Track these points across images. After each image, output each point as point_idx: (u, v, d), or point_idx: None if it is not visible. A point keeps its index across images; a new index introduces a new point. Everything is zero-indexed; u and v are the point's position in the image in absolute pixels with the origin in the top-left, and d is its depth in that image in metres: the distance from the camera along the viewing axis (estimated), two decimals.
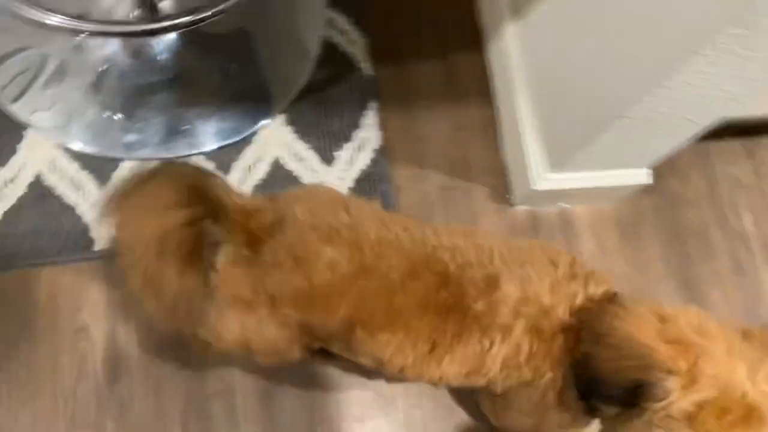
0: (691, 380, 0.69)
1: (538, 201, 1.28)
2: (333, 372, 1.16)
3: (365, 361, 0.89)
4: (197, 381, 1.13)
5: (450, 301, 0.81)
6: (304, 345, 0.89)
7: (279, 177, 1.23)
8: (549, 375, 0.82)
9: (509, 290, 0.81)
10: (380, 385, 1.16)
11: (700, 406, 0.68)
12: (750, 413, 0.67)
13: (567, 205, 1.32)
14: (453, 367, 0.84)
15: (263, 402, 1.14)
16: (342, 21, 1.34)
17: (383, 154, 1.28)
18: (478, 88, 1.37)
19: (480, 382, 0.86)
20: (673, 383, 0.69)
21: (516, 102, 1.25)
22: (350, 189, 1.25)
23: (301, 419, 1.14)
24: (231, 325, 0.84)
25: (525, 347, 0.81)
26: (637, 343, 0.72)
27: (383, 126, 1.30)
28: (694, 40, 0.80)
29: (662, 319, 0.73)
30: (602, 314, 0.78)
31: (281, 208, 0.84)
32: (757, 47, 0.80)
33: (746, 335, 0.73)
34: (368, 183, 1.26)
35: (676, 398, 0.69)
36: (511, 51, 1.28)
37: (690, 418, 0.68)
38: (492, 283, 0.81)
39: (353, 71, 1.32)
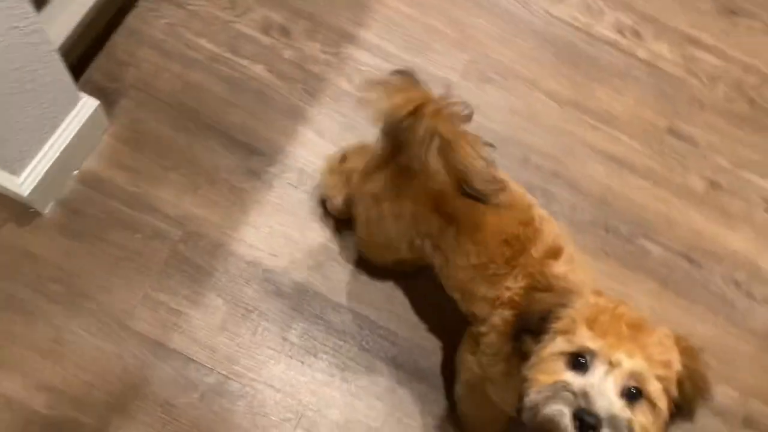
0: (591, 305, 0.91)
1: (51, 192, 1.31)
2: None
3: (438, 258, 1.12)
4: None
5: (522, 237, 1.04)
6: (409, 241, 1.13)
7: None
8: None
9: (561, 267, 1.02)
10: None
11: (596, 312, 0.89)
12: (640, 324, 0.88)
13: (76, 171, 1.36)
14: (486, 288, 1.05)
15: None
16: None
17: None
18: None
19: (489, 313, 1.06)
20: (578, 302, 0.91)
21: None
22: None
23: None
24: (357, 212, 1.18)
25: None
26: (560, 286, 0.97)
27: None
28: None
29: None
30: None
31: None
32: None
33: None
34: None
35: (579, 308, 0.90)
36: None
37: (587, 319, 0.88)
38: (555, 252, 1.04)
39: None
